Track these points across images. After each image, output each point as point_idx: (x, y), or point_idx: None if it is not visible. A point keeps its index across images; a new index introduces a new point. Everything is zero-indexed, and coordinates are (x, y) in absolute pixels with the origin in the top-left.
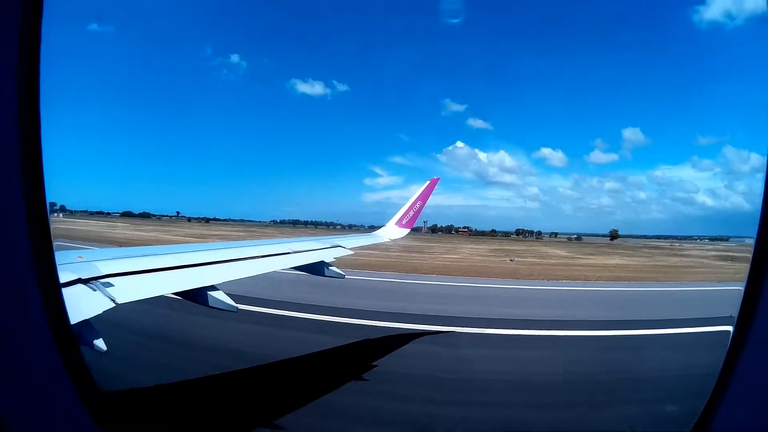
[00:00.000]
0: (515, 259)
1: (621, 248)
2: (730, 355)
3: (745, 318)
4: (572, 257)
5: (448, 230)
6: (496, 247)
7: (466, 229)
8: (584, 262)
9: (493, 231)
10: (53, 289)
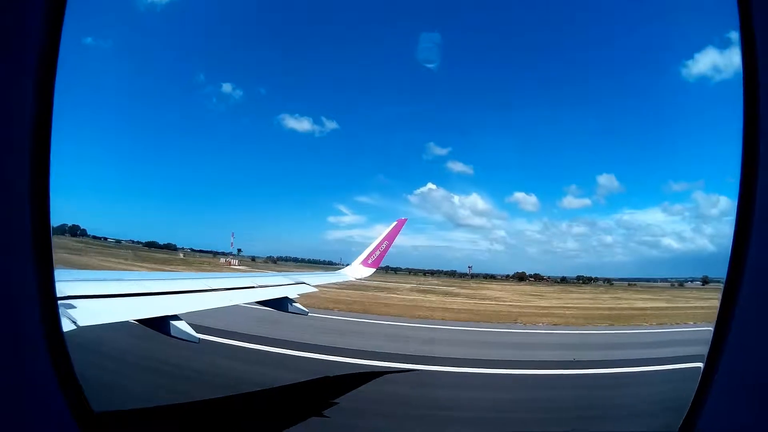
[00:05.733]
0: None
1: None
2: (710, 359)
3: (722, 324)
4: None
5: (521, 277)
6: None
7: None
8: None
9: (564, 278)
10: (50, 306)
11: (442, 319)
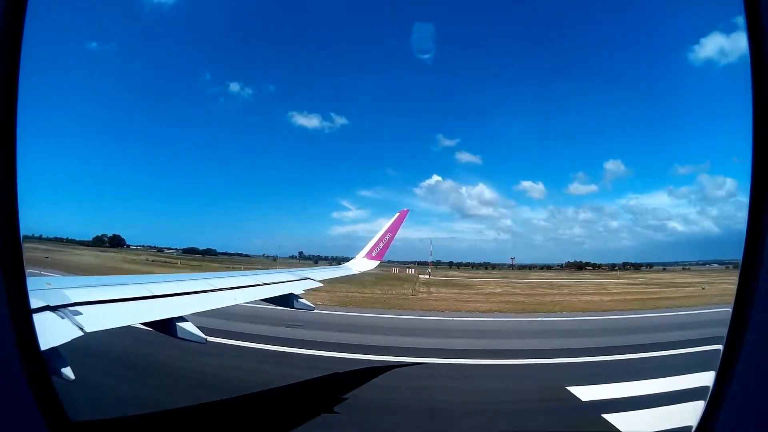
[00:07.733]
0: None
1: None
2: (725, 357)
3: (740, 319)
4: None
5: (578, 266)
6: None
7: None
8: None
9: (613, 266)
10: (24, 316)
11: None
